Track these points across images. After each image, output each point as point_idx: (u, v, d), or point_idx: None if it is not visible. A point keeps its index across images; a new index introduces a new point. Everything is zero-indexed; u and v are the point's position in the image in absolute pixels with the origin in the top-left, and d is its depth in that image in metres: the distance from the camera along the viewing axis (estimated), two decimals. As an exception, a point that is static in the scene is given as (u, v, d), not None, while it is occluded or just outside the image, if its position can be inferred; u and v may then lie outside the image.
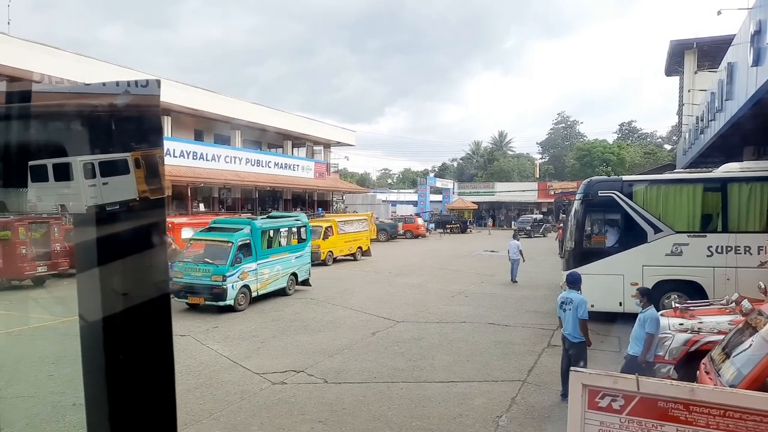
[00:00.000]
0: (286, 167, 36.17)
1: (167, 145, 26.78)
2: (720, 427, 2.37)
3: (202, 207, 30.51)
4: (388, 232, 37.35)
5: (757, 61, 10.40)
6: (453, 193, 58.95)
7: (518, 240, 19.34)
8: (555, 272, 16.39)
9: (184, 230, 16.82)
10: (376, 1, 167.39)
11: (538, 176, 68.24)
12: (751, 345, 4.85)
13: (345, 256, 24.15)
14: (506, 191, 57.57)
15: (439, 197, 59.58)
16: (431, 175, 71.91)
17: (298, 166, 37.64)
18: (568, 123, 78.73)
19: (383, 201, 58.76)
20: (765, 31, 9.56)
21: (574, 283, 7.50)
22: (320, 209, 39.89)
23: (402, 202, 62.99)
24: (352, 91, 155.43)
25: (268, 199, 37.46)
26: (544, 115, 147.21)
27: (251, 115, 32.87)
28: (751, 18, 11.12)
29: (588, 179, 12.90)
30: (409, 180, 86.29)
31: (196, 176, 27.62)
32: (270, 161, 34.86)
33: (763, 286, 8.06)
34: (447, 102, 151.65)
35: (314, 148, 42.92)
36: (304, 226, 16.50)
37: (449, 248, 32.08)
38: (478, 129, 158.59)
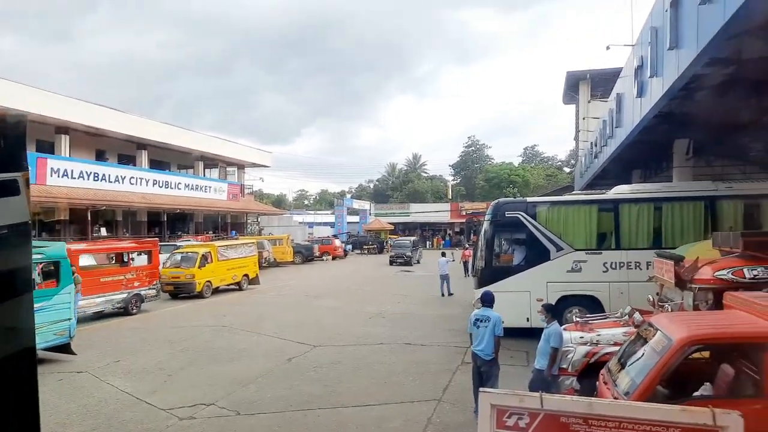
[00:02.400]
0: (197, 189, 34.82)
1: (64, 165, 24.96)
2: (615, 438, 2.53)
3: (103, 231, 28.55)
4: (304, 254, 36.89)
5: (641, 93, 11.47)
6: (370, 214, 59.47)
7: (446, 257, 20.53)
8: (467, 291, 16.93)
9: (83, 257, 15.58)
10: (294, 21, 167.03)
11: (450, 197, 70.56)
12: (642, 355, 5.23)
13: (228, 285, 21.34)
14: (421, 212, 59.07)
15: (356, 218, 59.84)
16: (348, 196, 72.45)
17: (210, 187, 36.37)
18: (478, 146, 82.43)
19: (300, 222, 58.04)
20: (647, 66, 10.59)
21: (489, 301, 7.68)
22: (234, 232, 38.67)
23: (319, 224, 62.56)
24: (269, 111, 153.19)
25: (177, 222, 35.82)
26: (456, 139, 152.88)
27: (159, 134, 31.43)
28: (635, 54, 12.29)
29: (496, 201, 13.51)
30: (326, 201, 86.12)
31: (97, 199, 25.86)
32: (180, 183, 33.40)
33: (651, 299, 8.79)
34: (364, 124, 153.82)
35: (228, 169, 41.73)
36: (57, 261, 11.02)
37: (366, 269, 32.23)
38: (395, 151, 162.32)
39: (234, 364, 10.38)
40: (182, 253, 20.64)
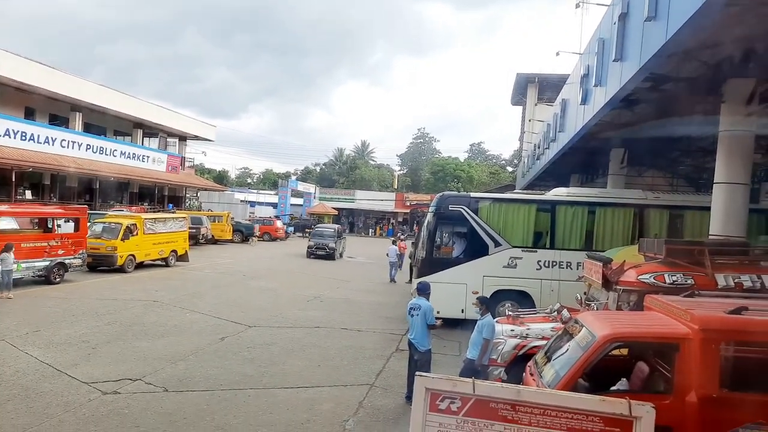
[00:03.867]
0: (134, 157, 33.24)
1: (-14, 120, 23.19)
2: (540, 424, 2.67)
3: (29, 195, 26.82)
4: (243, 233, 36.16)
5: (585, 100, 11.93)
6: (314, 197, 59.02)
7: (396, 245, 21.31)
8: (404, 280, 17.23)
9: (2, 220, 14.59)
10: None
11: (396, 187, 71.01)
12: (567, 350, 5.51)
13: (153, 260, 20.44)
14: (366, 199, 59.16)
15: (300, 201, 59.24)
16: (293, 177, 71.41)
17: (148, 157, 34.82)
18: (426, 139, 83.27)
19: (242, 201, 56.83)
20: (592, 75, 11.02)
21: (423, 291, 7.94)
22: (171, 205, 37.31)
23: (261, 203, 61.45)
24: (215, 85, 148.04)
25: (112, 191, 34.15)
26: (406, 129, 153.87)
27: (96, 97, 29.66)
28: (582, 62, 12.76)
29: (440, 193, 13.73)
30: (270, 181, 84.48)
31: (23, 159, 24.23)
32: (116, 150, 31.76)
33: (579, 298, 9.24)
34: (313, 106, 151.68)
35: (168, 139, 40.07)
36: None
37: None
38: (343, 136, 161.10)
39: (164, 340, 10.10)
40: (104, 223, 19.42)
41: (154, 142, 38.60)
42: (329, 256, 27.36)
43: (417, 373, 2.93)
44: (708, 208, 9.55)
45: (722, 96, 8.96)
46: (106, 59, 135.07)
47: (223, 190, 51.68)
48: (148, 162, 34.59)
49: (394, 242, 21.60)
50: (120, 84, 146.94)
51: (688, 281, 7.08)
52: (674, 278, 7.18)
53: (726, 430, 4.56)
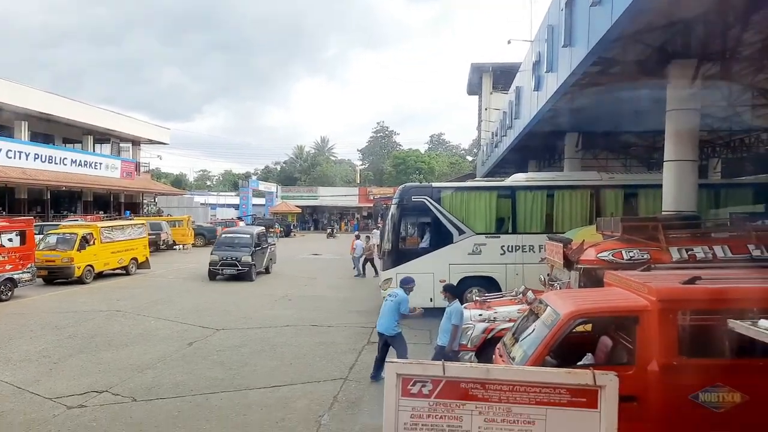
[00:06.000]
0: (86, 165, 32.17)
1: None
2: (510, 400, 2.74)
3: (-27, 209, 25.64)
4: (206, 237, 35.51)
5: (537, 87, 12.19)
6: (276, 196, 58.33)
7: (360, 240, 21.15)
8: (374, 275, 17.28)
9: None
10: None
11: (359, 182, 70.96)
12: (534, 330, 5.65)
13: (113, 270, 19.72)
14: (329, 195, 58.91)
15: (262, 200, 58.47)
16: (254, 177, 70.38)
17: (100, 164, 33.74)
18: (386, 132, 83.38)
19: (202, 204, 55.80)
20: (543, 61, 11.27)
21: (404, 284, 8.35)
22: (128, 212, 36.27)
23: (222, 205, 60.47)
24: (166, 86, 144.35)
25: (64, 201, 32.94)
26: (365, 124, 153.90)
27: (42, 104, 28.52)
28: (533, 49, 13.01)
29: (403, 185, 13.82)
30: (230, 182, 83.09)
31: (-34, 172, 23.13)
32: (66, 158, 30.66)
33: (543, 279, 9.48)
34: (270, 105, 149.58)
35: (121, 145, 38.90)
36: None
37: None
38: (303, 134, 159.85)
39: (129, 349, 9.84)
40: (58, 234, 18.68)
41: (106, 149, 37.42)
42: (242, 275, 18.80)
43: (387, 359, 2.97)
44: (660, 186, 9.93)
45: (668, 77, 9.31)
46: (50, 64, 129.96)
47: (181, 194, 50.57)
48: (101, 169, 33.53)
49: (357, 237, 21.54)
50: (66, 89, 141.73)
51: (645, 256, 7.36)
52: (631, 254, 7.45)
53: (686, 395, 4.77)
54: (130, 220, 26.57)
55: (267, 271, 20.84)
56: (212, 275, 18.92)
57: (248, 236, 20.03)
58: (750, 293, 4.85)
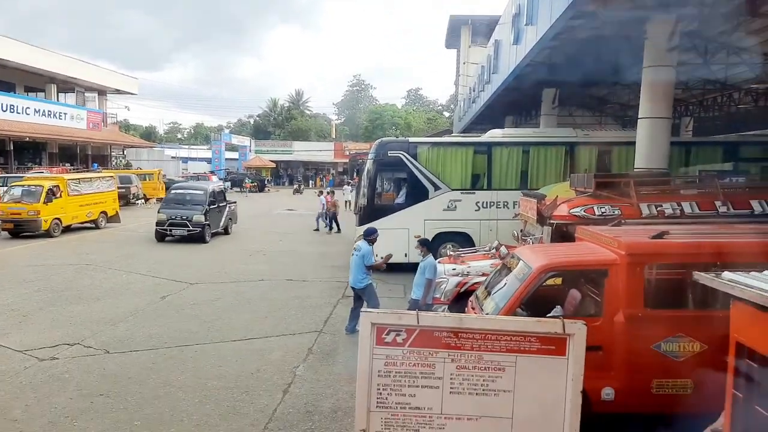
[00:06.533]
0: (50, 115, 30.91)
1: None
2: (482, 348, 2.79)
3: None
4: (178, 191, 34.79)
5: (517, 40, 12.01)
6: (250, 150, 57.34)
7: (323, 197, 21.03)
8: (351, 229, 17.28)
9: None
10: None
11: (334, 137, 70.07)
12: (506, 283, 5.75)
13: (82, 223, 19.35)
14: (304, 150, 58.14)
15: (235, 155, 57.43)
16: (226, 131, 68.87)
17: (65, 114, 32.46)
18: (363, 86, 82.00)
19: (173, 157, 54.51)
20: (523, 13, 11.07)
21: (367, 235, 8.29)
22: (96, 165, 35.24)
23: (194, 159, 59.21)
24: (133, 33, 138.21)
25: (28, 152, 31.77)
26: (341, 78, 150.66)
27: (1, 50, 27.07)
28: (513, 1, 12.74)
29: (379, 140, 13.68)
30: (202, 136, 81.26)
31: None
32: (28, 107, 29.38)
33: (516, 234, 9.61)
34: (243, 54, 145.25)
35: (86, 94, 37.40)
36: None
37: (247, 208, 31.26)
38: (276, 86, 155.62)
39: (100, 303, 9.74)
40: (23, 186, 18.06)
41: (70, 98, 35.97)
42: (194, 236, 16.96)
43: (362, 309, 2.98)
44: (633, 143, 10.03)
45: (645, 34, 9.26)
46: (7, 7, 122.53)
47: (151, 147, 49.24)
48: (66, 119, 32.29)
49: (320, 194, 21.61)
50: (24, 34, 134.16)
51: (616, 212, 7.49)
52: (603, 210, 7.58)
53: (650, 345, 4.96)
54: (98, 172, 25.83)
55: (226, 231, 18.99)
56: (160, 236, 17.05)
57: (201, 192, 17.97)
58: (715, 248, 4.99)
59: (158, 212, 17.56)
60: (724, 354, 2.91)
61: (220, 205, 18.75)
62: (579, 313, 5.52)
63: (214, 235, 17.83)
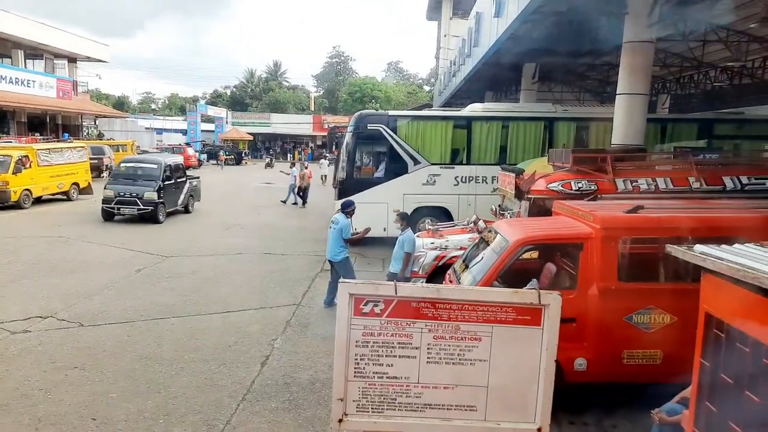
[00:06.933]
0: (17, 82, 29.76)
1: None
2: (459, 319, 2.81)
3: None
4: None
5: (498, 13, 11.89)
6: (227, 122, 56.22)
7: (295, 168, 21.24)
8: (329, 203, 17.18)
9: None
10: None
11: (313, 109, 69.10)
12: (484, 256, 5.80)
13: (53, 195, 18.97)
14: (282, 123, 57.26)
15: (211, 126, 56.26)
16: (202, 102, 67.37)
17: (33, 82, 31.28)
18: (342, 58, 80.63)
19: (147, 128, 53.29)
20: (505, -15, 10.93)
21: (344, 207, 8.27)
22: (67, 135, 34.22)
23: (169, 130, 57.92)
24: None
25: (-7, 121, 30.68)
26: (321, 49, 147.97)
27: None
28: (496, -27, 12.56)
29: (358, 113, 13.53)
30: (177, 106, 79.43)
31: None
32: (-8, 74, 28.27)
33: (494, 209, 9.67)
34: (219, 22, 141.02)
35: (55, 62, 36.05)
36: None
37: (223, 180, 30.92)
38: (253, 56, 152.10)
39: (74, 276, 9.57)
40: None
41: (39, 65, 34.64)
42: (147, 216, 15.30)
43: (340, 280, 2.97)
44: (611, 119, 10.10)
45: (626, 7, 9.24)
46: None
47: (124, 117, 48.00)
48: (34, 87, 31.14)
49: (292, 165, 21.67)
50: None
51: (592, 187, 7.58)
52: (580, 185, 7.66)
53: (622, 317, 5.08)
54: (69, 142, 25.10)
55: (186, 210, 17.37)
56: (107, 215, 15.35)
57: (155, 167, 15.96)
58: (688, 222, 5.10)
59: (105, 188, 15.73)
60: (693, 326, 2.98)
61: (178, 181, 16.90)
62: (554, 286, 5.60)
63: (172, 213, 16.46)
